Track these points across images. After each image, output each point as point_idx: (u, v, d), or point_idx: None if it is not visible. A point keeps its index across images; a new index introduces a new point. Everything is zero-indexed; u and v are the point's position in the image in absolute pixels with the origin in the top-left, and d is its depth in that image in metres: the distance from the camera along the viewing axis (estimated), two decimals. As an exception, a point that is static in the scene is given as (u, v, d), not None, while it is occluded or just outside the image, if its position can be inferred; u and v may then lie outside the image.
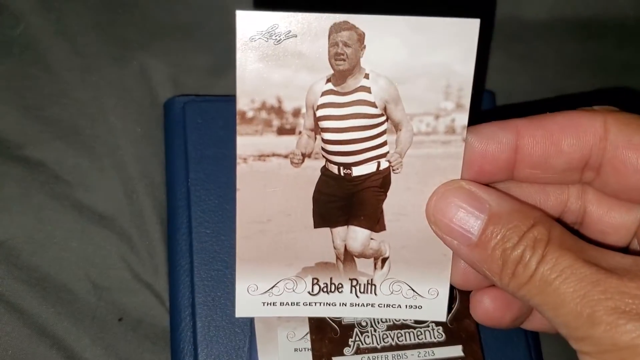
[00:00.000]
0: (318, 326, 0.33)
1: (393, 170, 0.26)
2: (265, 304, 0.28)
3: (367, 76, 0.25)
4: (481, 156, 0.25)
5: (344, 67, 0.25)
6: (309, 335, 0.33)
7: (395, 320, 0.34)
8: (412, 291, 0.28)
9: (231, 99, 0.39)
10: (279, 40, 0.24)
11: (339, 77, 0.25)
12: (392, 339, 0.33)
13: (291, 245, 0.27)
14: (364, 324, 0.34)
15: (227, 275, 0.35)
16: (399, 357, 0.33)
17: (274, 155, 0.26)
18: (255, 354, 0.34)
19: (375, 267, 0.28)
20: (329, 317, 0.33)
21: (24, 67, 0.40)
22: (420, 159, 0.26)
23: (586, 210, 0.27)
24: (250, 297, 0.28)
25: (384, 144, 0.26)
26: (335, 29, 0.24)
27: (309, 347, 0.33)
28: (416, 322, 0.34)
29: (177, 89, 0.41)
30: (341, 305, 0.28)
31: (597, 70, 0.46)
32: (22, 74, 0.40)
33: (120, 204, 0.38)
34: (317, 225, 0.27)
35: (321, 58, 0.24)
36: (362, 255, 0.28)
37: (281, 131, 0.25)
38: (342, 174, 0.26)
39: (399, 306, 0.28)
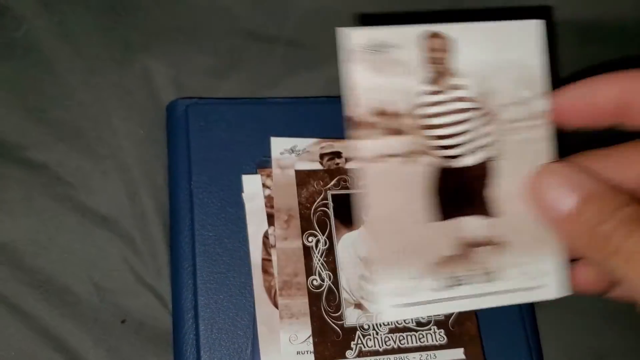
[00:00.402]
0: (320, 329, 0.33)
1: (494, 158, 0.28)
2: (397, 306, 0.29)
3: (458, 75, 0.28)
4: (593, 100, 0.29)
5: (439, 69, 0.28)
6: (311, 338, 0.33)
7: (398, 323, 0.34)
8: (531, 273, 0.29)
9: (234, 101, 0.40)
10: (380, 51, 0.27)
11: (436, 79, 0.28)
12: (394, 342, 0.34)
13: (412, 243, 0.28)
14: (365, 327, 0.34)
15: (229, 277, 0.36)
16: None
17: (388, 155, 0.27)
18: (257, 357, 0.34)
19: (491, 255, 0.29)
20: (330, 320, 0.33)
21: (26, 69, 0.40)
22: (516, 144, 0.28)
23: None
24: (386, 300, 0.28)
25: (484, 134, 0.28)
26: (427, 37, 0.27)
27: (312, 350, 0.33)
28: (418, 324, 0.34)
29: (180, 92, 0.41)
30: (465, 298, 0.29)
31: (597, 73, 0.46)
32: (24, 76, 0.40)
33: (123, 206, 0.38)
34: (433, 219, 0.28)
35: (418, 64, 0.27)
36: (478, 244, 0.29)
37: (392, 132, 0.27)
38: (451, 167, 0.28)
39: (521, 290, 0.29)
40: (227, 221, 0.36)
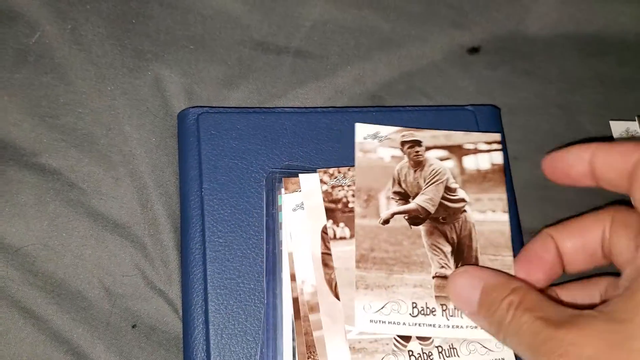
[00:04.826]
0: None
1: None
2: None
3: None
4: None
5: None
6: (383, 309, 0.35)
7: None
8: None
9: (244, 110, 0.40)
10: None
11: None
12: None
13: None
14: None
15: (239, 284, 0.36)
16: None
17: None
18: (267, 362, 0.35)
19: None
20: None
21: (39, 76, 0.41)
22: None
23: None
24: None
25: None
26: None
27: (383, 319, 0.34)
28: None
29: (191, 100, 0.42)
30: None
31: (599, 86, 0.47)
32: (37, 83, 0.41)
33: (135, 212, 0.39)
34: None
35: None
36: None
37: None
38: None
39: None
40: (238, 228, 0.37)
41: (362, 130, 0.39)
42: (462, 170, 0.38)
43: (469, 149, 0.39)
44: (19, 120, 0.40)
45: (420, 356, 0.34)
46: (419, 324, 0.34)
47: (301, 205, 0.37)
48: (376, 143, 0.38)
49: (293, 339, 0.35)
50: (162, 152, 0.40)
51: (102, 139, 0.40)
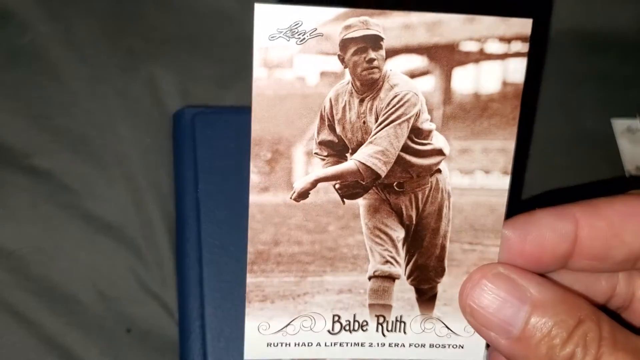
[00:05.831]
0: None
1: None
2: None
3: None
4: (539, 247, 0.23)
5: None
6: (288, 327, 0.25)
7: None
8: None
9: (240, 110, 0.40)
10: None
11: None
12: None
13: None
14: None
15: (236, 286, 0.35)
16: None
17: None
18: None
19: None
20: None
21: (32, 76, 0.40)
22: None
23: (634, 295, 0.25)
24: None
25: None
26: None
27: (288, 341, 0.25)
28: None
29: (186, 100, 0.41)
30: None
31: (600, 84, 0.46)
32: (30, 83, 0.40)
33: (129, 214, 0.38)
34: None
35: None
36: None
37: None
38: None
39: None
40: (234, 229, 0.36)
41: (268, 19, 0.21)
42: (449, 95, 0.22)
43: (468, 53, 0.22)
44: (10, 121, 0.39)
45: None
46: (341, 344, 0.25)
47: (298, 205, 0.36)
48: (294, 46, 0.21)
49: (291, 342, 0.34)
50: (156, 152, 0.40)
51: (95, 139, 0.39)
